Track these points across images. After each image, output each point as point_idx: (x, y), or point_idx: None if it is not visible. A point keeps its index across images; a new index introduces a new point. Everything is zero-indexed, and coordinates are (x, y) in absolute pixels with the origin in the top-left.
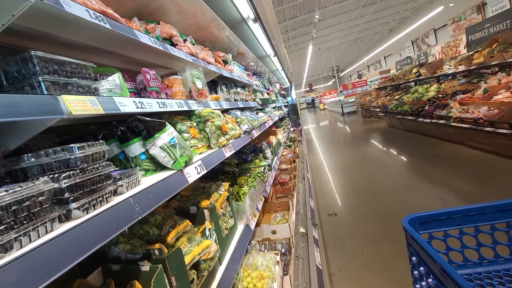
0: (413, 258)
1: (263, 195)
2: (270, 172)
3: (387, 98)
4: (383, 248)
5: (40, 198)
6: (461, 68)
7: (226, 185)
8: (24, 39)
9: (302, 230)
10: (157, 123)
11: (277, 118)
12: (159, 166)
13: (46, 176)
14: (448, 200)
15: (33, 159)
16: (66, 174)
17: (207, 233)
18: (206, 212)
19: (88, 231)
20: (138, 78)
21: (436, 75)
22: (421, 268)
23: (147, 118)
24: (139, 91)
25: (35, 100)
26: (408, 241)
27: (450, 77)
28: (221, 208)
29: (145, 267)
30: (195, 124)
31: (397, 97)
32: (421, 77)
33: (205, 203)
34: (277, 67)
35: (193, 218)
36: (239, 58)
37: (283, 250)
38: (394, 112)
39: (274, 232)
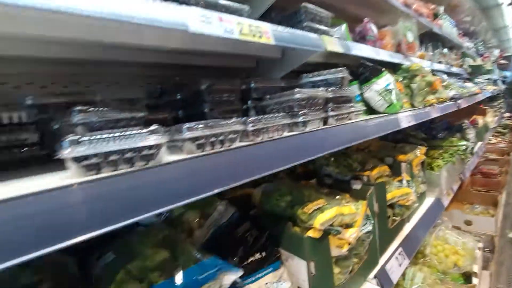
0: None
1: (460, 177)
2: (471, 156)
3: None
4: None
5: (318, 101)
6: None
7: (423, 149)
8: None
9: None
10: (376, 69)
11: (489, 94)
12: (368, 110)
13: (320, 88)
14: None
15: (307, 79)
16: (331, 89)
17: (404, 183)
18: (403, 165)
19: (339, 133)
20: (356, 29)
21: None
22: None
23: (369, 64)
24: (356, 41)
25: (307, 35)
26: None
27: None
28: (416, 169)
29: (357, 185)
30: (400, 78)
31: None
32: None
33: (402, 157)
34: (506, 22)
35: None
36: (450, 12)
37: (481, 245)
38: None
39: (468, 223)
